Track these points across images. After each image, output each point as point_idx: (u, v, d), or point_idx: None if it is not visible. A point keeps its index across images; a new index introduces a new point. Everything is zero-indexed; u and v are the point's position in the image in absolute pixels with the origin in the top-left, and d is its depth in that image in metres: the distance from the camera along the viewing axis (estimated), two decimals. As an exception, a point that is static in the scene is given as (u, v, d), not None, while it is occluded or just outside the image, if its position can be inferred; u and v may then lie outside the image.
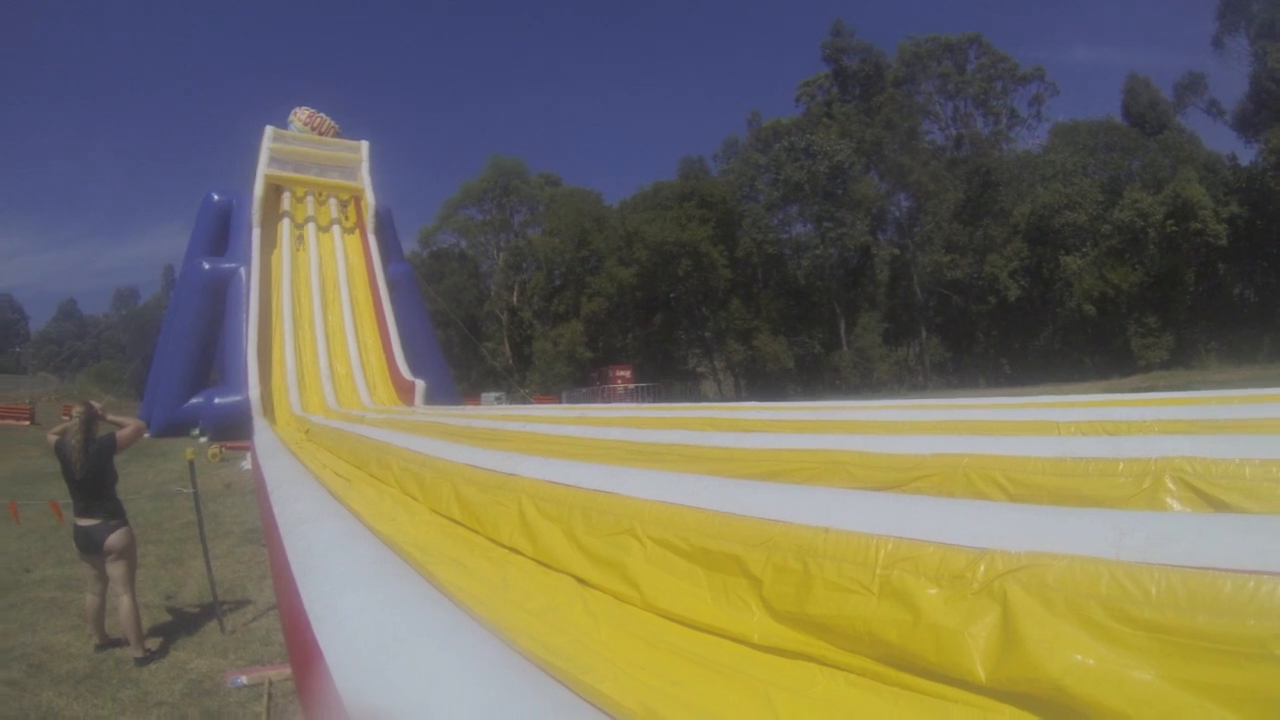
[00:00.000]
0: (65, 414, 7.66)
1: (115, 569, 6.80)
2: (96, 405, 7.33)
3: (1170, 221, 51.25)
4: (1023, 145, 67.53)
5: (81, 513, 6.83)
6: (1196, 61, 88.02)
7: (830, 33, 70.21)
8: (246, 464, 16.15)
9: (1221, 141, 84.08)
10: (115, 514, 6.90)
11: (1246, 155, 57.50)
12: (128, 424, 7.37)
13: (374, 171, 35.24)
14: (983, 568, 1.59)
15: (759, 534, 2.14)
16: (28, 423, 36.20)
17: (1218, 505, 2.49)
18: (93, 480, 6.85)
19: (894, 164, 63.46)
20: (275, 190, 32.36)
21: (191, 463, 8.32)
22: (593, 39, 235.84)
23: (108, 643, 6.82)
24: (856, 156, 61.77)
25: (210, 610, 7.53)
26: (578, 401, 43.89)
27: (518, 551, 3.22)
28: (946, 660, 1.55)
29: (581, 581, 2.68)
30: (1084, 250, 55.82)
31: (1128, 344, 53.76)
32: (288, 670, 5.31)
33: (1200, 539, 1.50)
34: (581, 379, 62.87)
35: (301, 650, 2.27)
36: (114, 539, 6.75)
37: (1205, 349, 53.25)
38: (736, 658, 1.92)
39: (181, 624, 7.49)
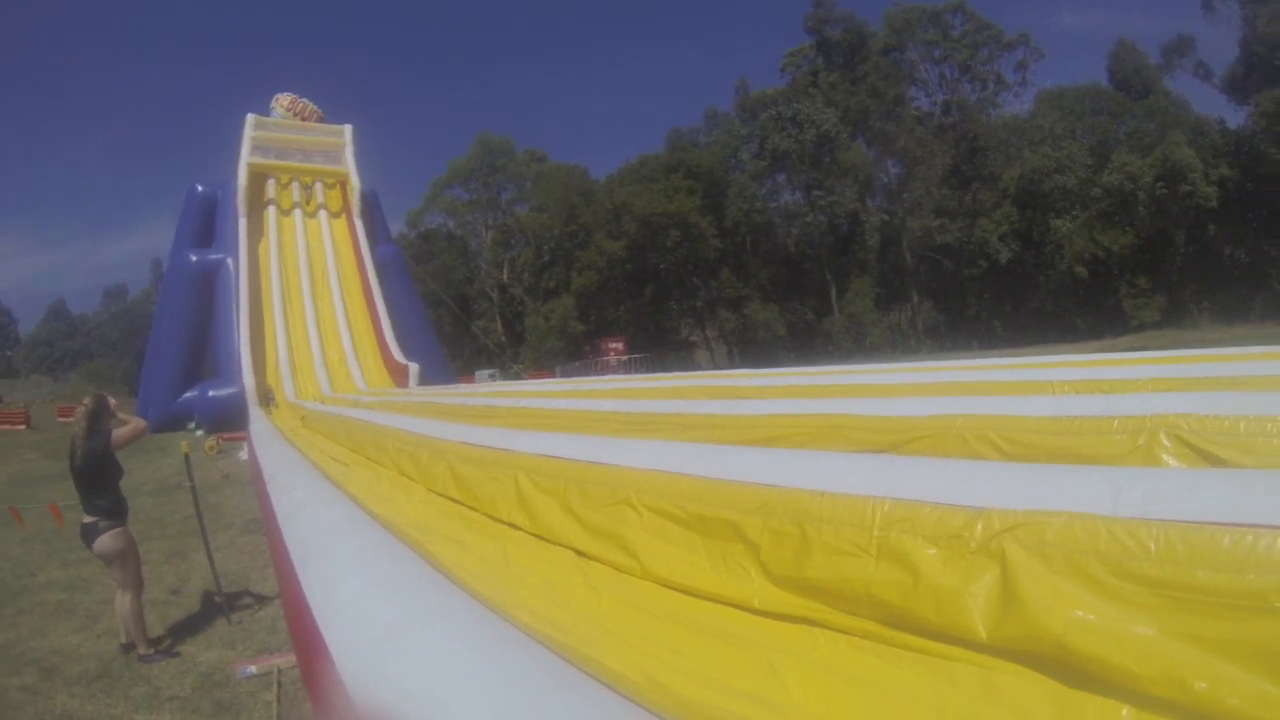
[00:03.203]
0: (61, 415, 7.61)
1: (113, 571, 6.82)
2: (111, 400, 7.30)
3: (1160, 184, 51.09)
4: (1009, 110, 67.27)
5: (83, 507, 6.81)
6: (1184, 25, 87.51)
7: (812, 4, 69.70)
8: (245, 454, 16.14)
9: (1210, 104, 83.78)
10: (109, 513, 6.79)
11: (1235, 118, 57.37)
12: (129, 423, 7.27)
13: (358, 155, 35.19)
14: (980, 526, 1.59)
15: (755, 499, 2.14)
16: (23, 426, 36.07)
17: (1213, 460, 2.48)
18: (90, 474, 6.76)
19: (880, 131, 63.28)
20: (260, 178, 32.27)
21: (187, 456, 8.30)
22: (575, 12, 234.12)
23: (131, 642, 6.79)
24: (842, 125, 61.54)
25: (216, 602, 7.54)
26: (571, 375, 43.86)
27: (516, 527, 3.21)
28: (947, 620, 1.54)
29: (580, 554, 2.67)
30: (1074, 213, 55.62)
31: (1119, 305, 53.78)
32: (295, 658, 5.33)
33: (1197, 494, 1.50)
34: (575, 353, 62.67)
35: (304, 637, 2.27)
36: (101, 542, 6.68)
37: (1197, 309, 53.27)
38: (737, 624, 1.92)
39: (188, 618, 7.51)
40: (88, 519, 6.73)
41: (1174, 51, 62.20)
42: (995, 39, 66.25)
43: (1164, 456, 2.61)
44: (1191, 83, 62.95)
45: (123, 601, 6.64)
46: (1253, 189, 52.03)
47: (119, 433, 6.99)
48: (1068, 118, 59.45)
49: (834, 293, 62.89)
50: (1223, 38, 60.50)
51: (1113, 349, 26.87)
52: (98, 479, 6.79)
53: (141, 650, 6.51)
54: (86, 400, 7.11)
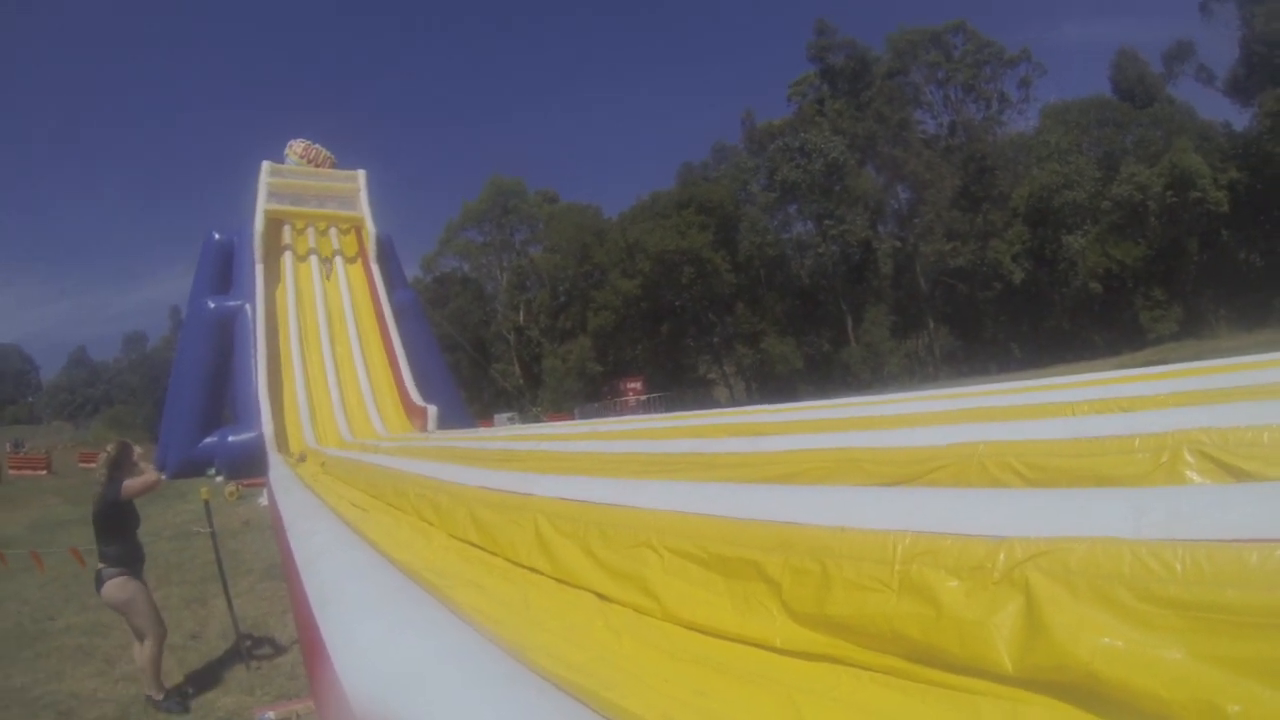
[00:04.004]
0: (82, 461, 7.50)
1: (128, 620, 6.76)
2: (135, 448, 7.23)
3: (1169, 193, 50.90)
4: (1015, 128, 67.24)
5: (97, 554, 6.79)
6: (1183, 30, 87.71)
7: (814, 32, 70.07)
8: (264, 500, 16.15)
9: (1215, 108, 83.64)
10: (116, 561, 6.71)
11: (1240, 120, 57.25)
12: (144, 472, 7.15)
13: (373, 199, 35.41)
14: (1002, 556, 1.57)
15: (775, 537, 2.12)
16: (44, 472, 36.36)
17: (1238, 474, 2.46)
18: (103, 522, 6.72)
19: (888, 157, 63.42)
20: (276, 225, 32.50)
21: (206, 502, 8.31)
22: (581, 54, 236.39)
23: (164, 691, 6.69)
24: (850, 152, 61.65)
25: (235, 648, 7.52)
26: (590, 417, 43.80)
27: (537, 571, 3.20)
28: (972, 653, 1.52)
29: (601, 597, 2.66)
30: (1085, 228, 55.42)
31: (1136, 318, 53.45)
32: (313, 704, 5.30)
33: (1222, 510, 1.48)
34: (593, 394, 62.73)
35: (322, 683, 2.25)
36: (106, 590, 6.60)
37: (1215, 317, 52.83)
38: (760, 664, 1.91)
39: (207, 663, 7.49)
40: (99, 565, 6.70)
41: (1175, 58, 62.20)
42: (997, 56, 66.46)
43: (1188, 473, 2.60)
44: (1194, 87, 63.02)
45: (140, 650, 6.58)
46: (1263, 191, 51.70)
47: (130, 483, 6.88)
48: (1073, 131, 59.30)
49: (850, 323, 62.77)
50: (1222, 40, 60.47)
51: (1132, 364, 26.68)
52: (111, 527, 6.74)
53: (155, 695, 6.45)
54: (110, 447, 7.06)
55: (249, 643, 7.62)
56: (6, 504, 24.37)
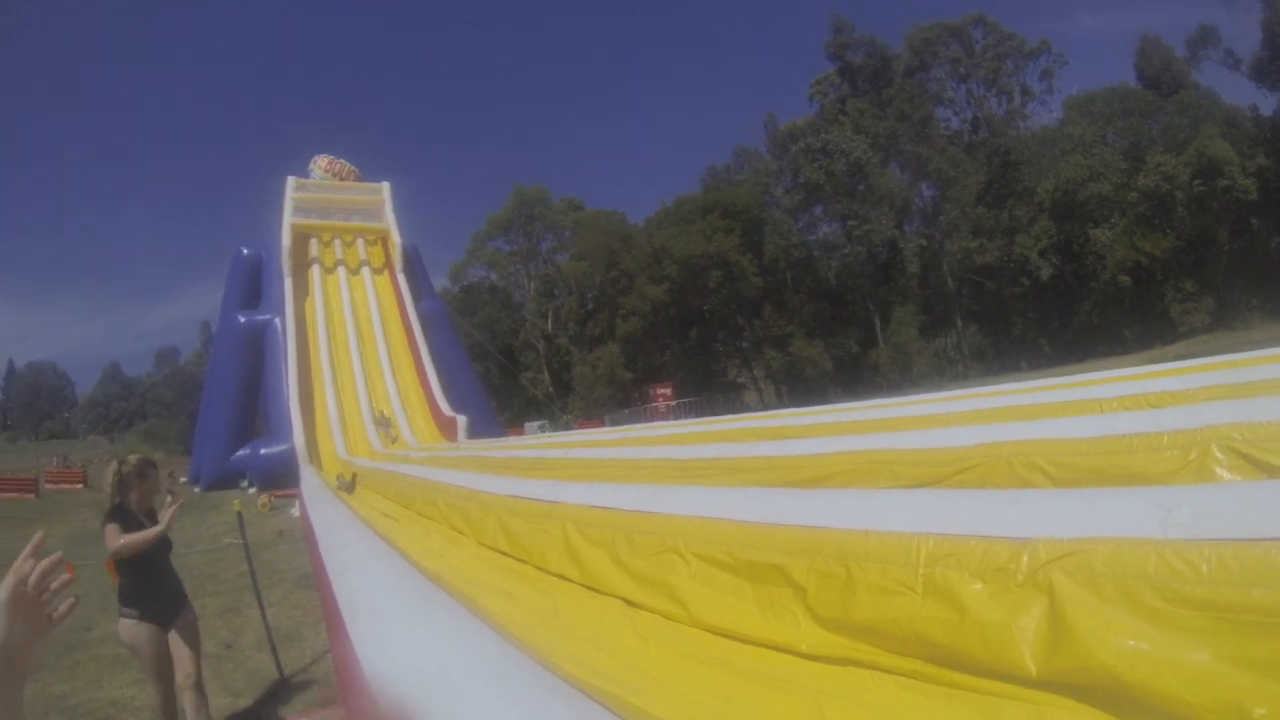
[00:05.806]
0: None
1: None
2: (158, 470, 6.19)
3: (1197, 181, 50.09)
4: (1038, 121, 66.55)
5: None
6: (1205, 14, 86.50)
7: (831, 30, 69.59)
8: (296, 511, 16.26)
9: (1240, 93, 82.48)
10: (129, 598, 5.69)
11: (1267, 105, 56.39)
12: (125, 538, 5.54)
13: (398, 211, 35.65)
14: (1026, 558, 1.56)
15: (801, 541, 2.12)
16: (80, 486, 36.80)
17: (1268, 470, 2.43)
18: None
19: (912, 155, 62.91)
20: (303, 238, 32.78)
21: (239, 514, 8.39)
22: (602, 62, 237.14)
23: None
24: (873, 151, 61.24)
25: (268, 656, 7.60)
26: (620, 423, 43.76)
27: (565, 578, 3.22)
28: (995, 656, 1.52)
29: (629, 603, 2.67)
30: (1112, 221, 54.69)
31: (1167, 311, 52.65)
32: (344, 712, 5.33)
33: (1250, 508, 1.46)
34: (623, 400, 62.65)
35: (353, 691, 2.28)
36: (119, 631, 5.76)
37: (1247, 308, 51.85)
38: (786, 668, 1.91)
39: (241, 671, 7.58)
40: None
41: (1198, 43, 61.26)
42: (1018, 49, 65.71)
43: (1217, 470, 2.57)
44: (1220, 73, 61.98)
45: (149, 693, 5.89)
46: (1291, 176, 50.89)
47: (112, 543, 5.53)
48: (1098, 123, 58.63)
49: (878, 323, 62.28)
50: (1246, 24, 59.53)
51: (1163, 358, 26.35)
52: (122, 560, 5.62)
53: None
54: (132, 458, 5.98)
55: (282, 651, 7.70)
56: (45, 518, 24.68)
